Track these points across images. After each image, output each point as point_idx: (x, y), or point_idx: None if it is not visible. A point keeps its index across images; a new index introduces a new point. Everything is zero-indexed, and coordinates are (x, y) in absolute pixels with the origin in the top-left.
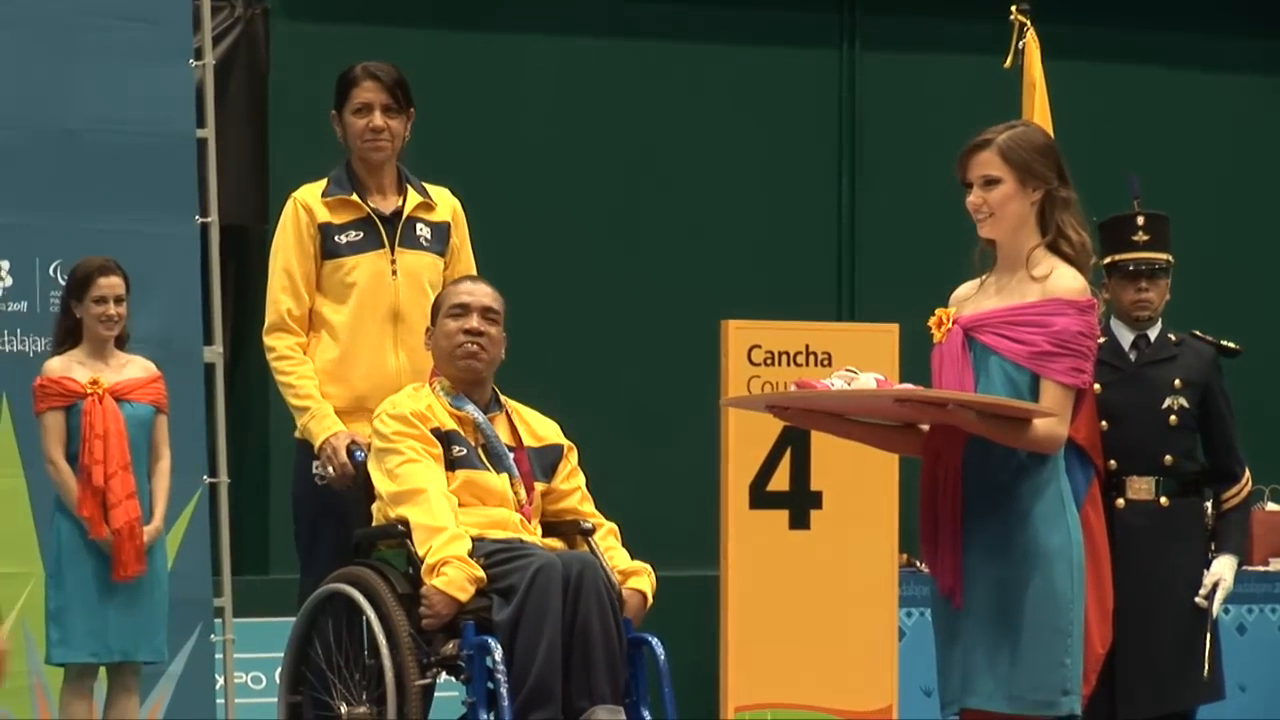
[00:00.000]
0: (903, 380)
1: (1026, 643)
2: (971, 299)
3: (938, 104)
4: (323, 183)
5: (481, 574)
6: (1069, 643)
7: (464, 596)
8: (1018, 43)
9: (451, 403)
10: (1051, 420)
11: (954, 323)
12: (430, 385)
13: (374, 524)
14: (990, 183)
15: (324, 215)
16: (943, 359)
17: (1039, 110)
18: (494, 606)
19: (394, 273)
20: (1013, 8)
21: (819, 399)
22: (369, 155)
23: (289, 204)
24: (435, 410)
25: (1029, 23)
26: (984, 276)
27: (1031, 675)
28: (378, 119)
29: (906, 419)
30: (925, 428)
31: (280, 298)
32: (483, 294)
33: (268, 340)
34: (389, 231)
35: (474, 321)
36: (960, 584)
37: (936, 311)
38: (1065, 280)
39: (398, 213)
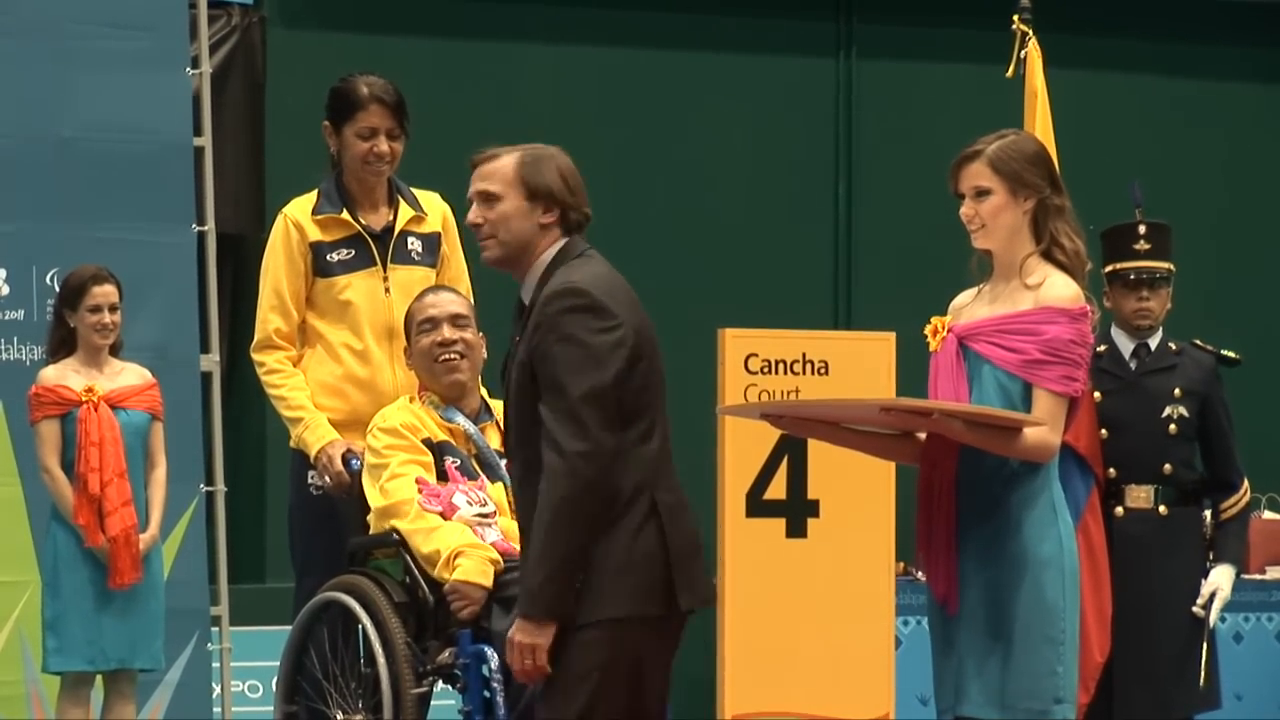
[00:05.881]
0: (899, 390)
1: (1018, 651)
2: (967, 307)
3: (935, 113)
4: (312, 197)
5: (496, 555)
6: (1061, 651)
7: (486, 581)
8: (1019, 52)
9: (441, 415)
10: (1043, 429)
11: (949, 331)
12: (420, 399)
13: (370, 533)
14: (981, 194)
15: (315, 234)
16: (938, 368)
17: (1040, 120)
18: (493, 615)
19: (386, 290)
20: (1014, 17)
21: (811, 407)
22: (368, 178)
23: (279, 221)
24: (426, 422)
25: (1030, 32)
26: (981, 285)
27: (1023, 683)
28: (383, 145)
29: (896, 427)
30: (922, 436)
31: (269, 316)
32: (447, 302)
33: (256, 357)
34: (380, 249)
35: (446, 332)
36: (955, 591)
37: (932, 320)
38: (1057, 288)
39: (389, 229)
